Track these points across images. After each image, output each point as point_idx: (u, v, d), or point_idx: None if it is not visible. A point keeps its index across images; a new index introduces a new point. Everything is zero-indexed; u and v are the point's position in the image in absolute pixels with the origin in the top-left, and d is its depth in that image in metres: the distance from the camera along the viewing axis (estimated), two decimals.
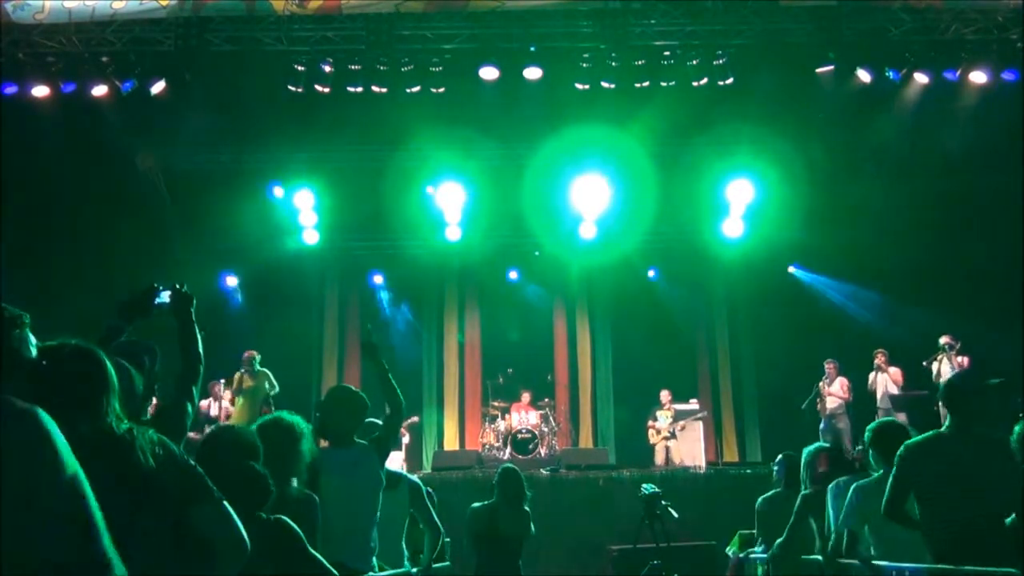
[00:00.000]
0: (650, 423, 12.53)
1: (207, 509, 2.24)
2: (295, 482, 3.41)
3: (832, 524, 4.56)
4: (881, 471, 4.22)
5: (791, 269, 13.83)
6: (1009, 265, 10.61)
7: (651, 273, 14.14)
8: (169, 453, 2.26)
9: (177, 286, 3.24)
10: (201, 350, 3.17)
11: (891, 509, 3.89)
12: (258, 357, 11.10)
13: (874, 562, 4.15)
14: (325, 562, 2.93)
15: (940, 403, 4.19)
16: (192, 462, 2.32)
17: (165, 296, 3.23)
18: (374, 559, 4.07)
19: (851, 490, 4.30)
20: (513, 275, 14.21)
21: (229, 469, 2.73)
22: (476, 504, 6.37)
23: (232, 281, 13.66)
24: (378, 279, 14.25)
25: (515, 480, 6.23)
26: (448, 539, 6.26)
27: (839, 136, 11.86)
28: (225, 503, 2.28)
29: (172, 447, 2.29)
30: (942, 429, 3.96)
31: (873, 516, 4.15)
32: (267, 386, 10.96)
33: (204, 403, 11.07)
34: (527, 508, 6.30)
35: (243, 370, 10.97)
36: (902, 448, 3.91)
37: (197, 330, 3.18)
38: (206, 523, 2.24)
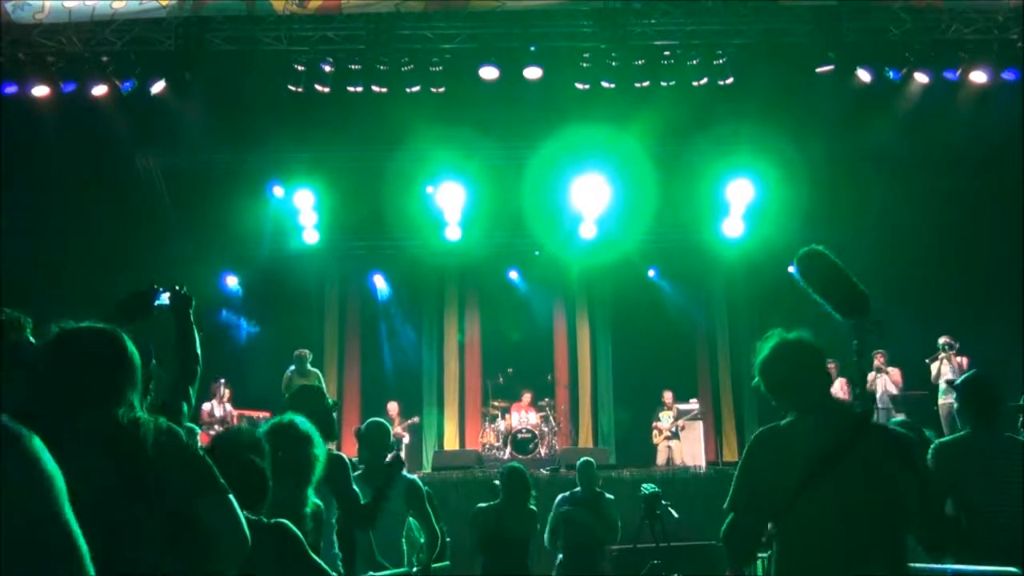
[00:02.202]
0: (654, 423, 12.55)
1: (210, 501, 2.21)
2: (311, 493, 3.37)
3: None
4: None
5: (791, 269, 13.68)
6: (1009, 265, 10.60)
7: (651, 273, 14.13)
8: (176, 443, 2.23)
9: (176, 287, 3.23)
10: (199, 351, 3.17)
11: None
12: (310, 356, 11.04)
13: None
14: (325, 566, 2.92)
15: (957, 404, 4.11)
16: (201, 453, 2.30)
17: (164, 297, 3.23)
18: (339, 563, 3.99)
19: None
20: (513, 275, 14.20)
21: (226, 463, 2.72)
22: (482, 504, 6.35)
23: (232, 281, 13.66)
24: (378, 279, 14.22)
25: (521, 479, 6.21)
26: (448, 539, 6.26)
27: (839, 136, 11.85)
28: (231, 497, 2.25)
29: (180, 437, 2.26)
30: (967, 431, 3.90)
31: None
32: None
33: (207, 405, 11.06)
34: (533, 507, 6.28)
35: (293, 369, 10.80)
36: (932, 450, 3.83)
37: (195, 331, 3.18)
38: (208, 516, 2.21)
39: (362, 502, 4.13)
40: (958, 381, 4.18)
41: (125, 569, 2.04)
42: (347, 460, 4.17)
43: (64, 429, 2.07)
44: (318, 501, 3.41)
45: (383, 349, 13.58)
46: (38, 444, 1.44)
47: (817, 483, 2.47)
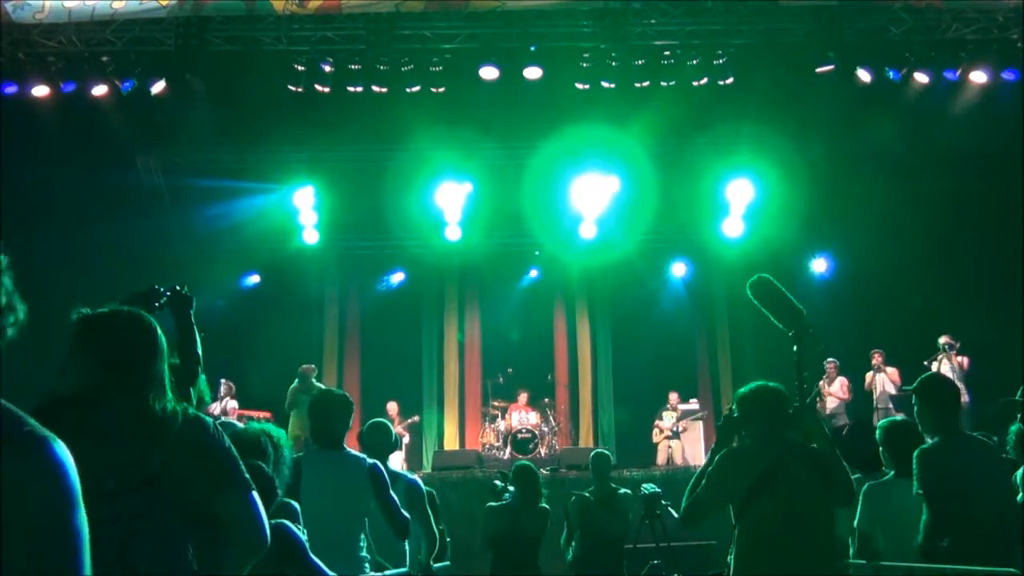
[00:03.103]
0: (656, 423, 12.56)
1: (232, 496, 2.17)
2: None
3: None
4: (892, 472, 4.16)
5: (816, 263, 13.45)
6: (1009, 265, 10.60)
7: (652, 273, 14.12)
8: (202, 435, 2.18)
9: (177, 287, 3.23)
10: (200, 351, 3.16)
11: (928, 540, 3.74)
12: (315, 371, 11.02)
13: (880, 563, 4.14)
14: (324, 567, 2.92)
15: (917, 407, 4.07)
16: (228, 444, 2.22)
17: (166, 299, 3.22)
18: (367, 565, 4.01)
19: (862, 491, 4.18)
20: (533, 273, 14.17)
21: None
22: (492, 503, 6.31)
23: (232, 281, 13.63)
24: (398, 276, 14.17)
25: (532, 478, 6.18)
26: (448, 539, 6.24)
27: (839, 136, 11.85)
28: (254, 493, 2.19)
29: (207, 428, 2.20)
30: (941, 436, 3.90)
31: (883, 517, 4.11)
32: None
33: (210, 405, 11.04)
34: (545, 506, 6.25)
35: (296, 385, 10.71)
36: (917, 456, 3.81)
37: (196, 331, 3.17)
38: (229, 511, 2.16)
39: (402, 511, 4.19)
40: (915, 384, 4.15)
41: (143, 561, 2.03)
42: (383, 469, 4.21)
43: (87, 420, 2.05)
44: (292, 502, 3.39)
45: (383, 349, 13.57)
46: (60, 449, 1.36)
47: (761, 493, 3.46)
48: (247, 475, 2.21)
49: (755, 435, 3.65)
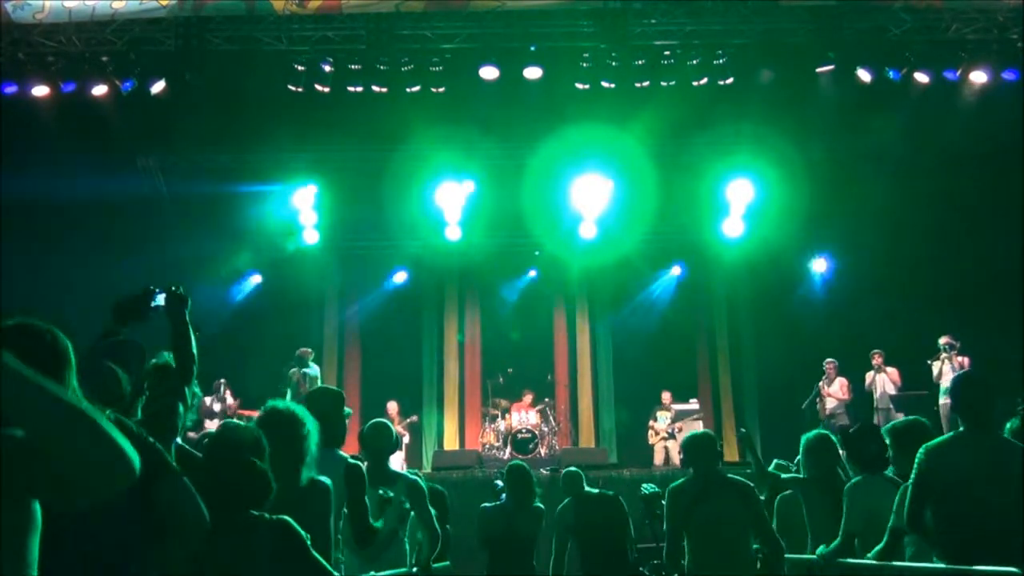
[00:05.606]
0: (650, 423, 12.54)
1: (169, 484, 2.25)
2: (306, 472, 3.35)
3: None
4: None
5: (816, 263, 13.47)
6: (1009, 265, 10.60)
7: (652, 273, 14.12)
8: (129, 431, 2.22)
9: (172, 288, 3.23)
10: (195, 351, 3.16)
11: (913, 519, 3.77)
12: (311, 354, 11.17)
13: (878, 562, 4.13)
14: (326, 564, 2.91)
15: (951, 404, 4.09)
16: (151, 439, 2.31)
17: (161, 299, 3.22)
18: (342, 567, 3.95)
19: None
20: (532, 273, 14.17)
21: (230, 465, 2.72)
22: (486, 504, 6.30)
23: (232, 281, 13.64)
24: (400, 275, 14.17)
25: (523, 477, 6.18)
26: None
27: (839, 136, 11.85)
28: (185, 479, 2.28)
29: (129, 425, 2.29)
30: (959, 431, 3.87)
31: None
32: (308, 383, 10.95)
33: (207, 400, 11.04)
34: (540, 505, 6.24)
35: (294, 368, 10.90)
36: (921, 451, 3.79)
37: (191, 331, 3.18)
38: (168, 498, 2.24)
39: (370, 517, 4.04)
40: (952, 380, 4.16)
41: (108, 562, 2.05)
42: (364, 471, 4.07)
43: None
44: (324, 479, 3.38)
45: (383, 348, 13.57)
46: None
47: (693, 516, 4.51)
48: (174, 464, 2.32)
49: (695, 470, 4.69)
